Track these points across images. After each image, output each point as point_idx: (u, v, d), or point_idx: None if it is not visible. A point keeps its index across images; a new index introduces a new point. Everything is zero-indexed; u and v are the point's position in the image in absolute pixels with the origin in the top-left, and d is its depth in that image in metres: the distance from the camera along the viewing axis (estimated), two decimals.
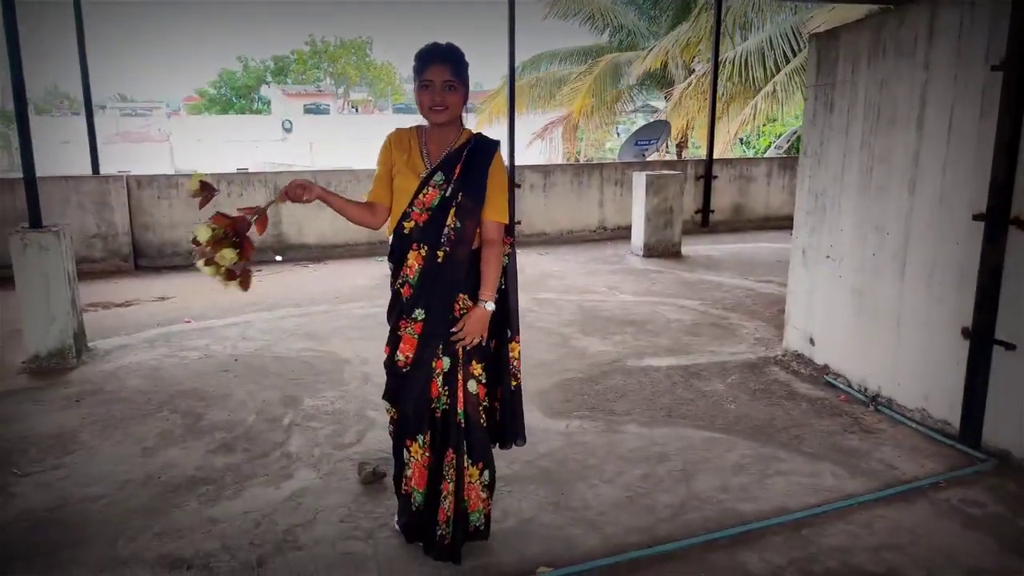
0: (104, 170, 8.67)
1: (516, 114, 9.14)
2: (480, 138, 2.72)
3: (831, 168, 4.66)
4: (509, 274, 2.77)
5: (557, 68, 17.91)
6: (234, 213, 2.47)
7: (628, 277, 7.67)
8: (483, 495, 2.79)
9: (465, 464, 2.72)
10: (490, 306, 2.64)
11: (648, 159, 9.97)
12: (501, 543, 2.94)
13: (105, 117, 39.39)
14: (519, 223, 9.46)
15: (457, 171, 2.62)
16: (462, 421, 2.69)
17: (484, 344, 2.69)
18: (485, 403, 2.76)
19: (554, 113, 18.68)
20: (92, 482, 3.45)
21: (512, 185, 2.87)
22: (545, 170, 9.76)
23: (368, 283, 7.46)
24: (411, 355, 2.65)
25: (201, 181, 2.46)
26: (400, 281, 2.68)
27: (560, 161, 17.92)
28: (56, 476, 3.52)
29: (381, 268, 8.06)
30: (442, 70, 2.54)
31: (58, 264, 4.92)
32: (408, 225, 2.63)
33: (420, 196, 2.62)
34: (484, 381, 2.72)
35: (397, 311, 2.70)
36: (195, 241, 2.39)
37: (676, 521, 3.12)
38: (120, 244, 8.07)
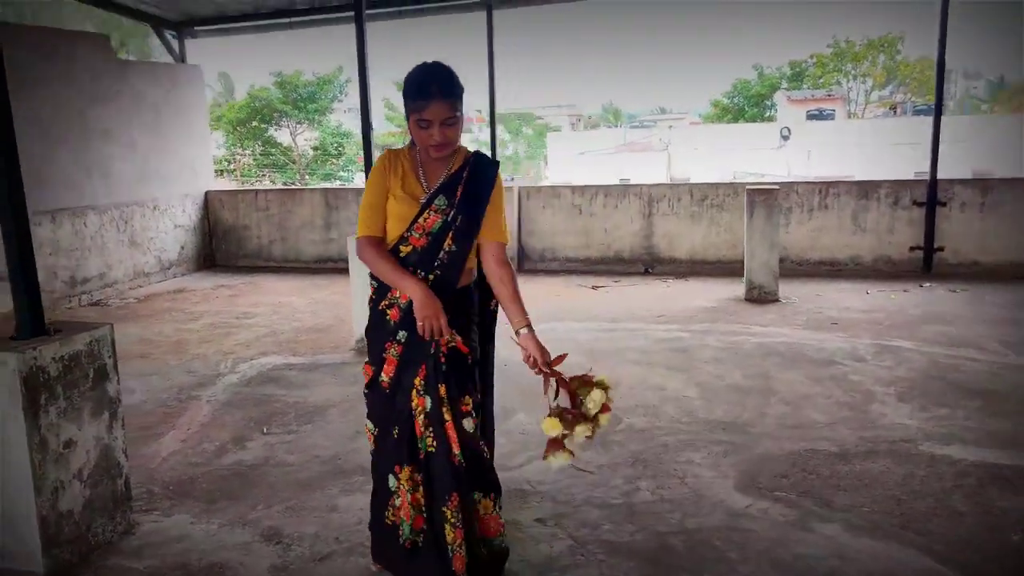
0: (603, 179, 9.78)
1: None
2: (479, 157, 2.63)
3: None
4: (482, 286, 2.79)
5: None
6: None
7: None
8: (500, 519, 2.77)
9: (476, 498, 2.67)
10: (526, 330, 2.60)
11: None
12: None
13: (619, 130, 43.96)
14: (941, 249, 7.89)
15: (459, 194, 2.57)
16: (461, 462, 2.59)
17: (471, 375, 2.64)
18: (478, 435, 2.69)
19: None
20: (297, 451, 4.14)
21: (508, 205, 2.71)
22: (984, 185, 7.91)
23: (706, 304, 7.13)
24: (392, 376, 2.64)
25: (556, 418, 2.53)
26: (387, 302, 2.65)
27: None
28: (281, 439, 4.31)
29: (731, 288, 7.64)
30: (441, 108, 2.44)
31: None
32: (405, 250, 2.60)
33: (420, 220, 2.58)
34: (475, 414, 2.66)
35: (383, 332, 2.67)
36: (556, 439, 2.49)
37: None
38: (508, 247, 9.11)
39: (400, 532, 2.69)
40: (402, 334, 2.61)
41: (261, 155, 30.69)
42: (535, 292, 7.92)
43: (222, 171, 34.27)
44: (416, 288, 2.50)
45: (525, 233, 9.18)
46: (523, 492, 3.58)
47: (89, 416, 3.08)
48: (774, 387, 4.85)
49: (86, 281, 8.34)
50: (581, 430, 2.44)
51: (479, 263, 2.76)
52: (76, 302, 8.18)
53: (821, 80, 44.52)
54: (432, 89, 2.43)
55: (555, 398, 2.55)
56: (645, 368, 5.32)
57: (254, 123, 31.06)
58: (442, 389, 2.58)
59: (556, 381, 2.54)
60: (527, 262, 9.21)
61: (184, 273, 9.83)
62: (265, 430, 4.46)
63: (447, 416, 2.57)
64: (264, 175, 28.74)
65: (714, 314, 6.75)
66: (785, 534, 3.15)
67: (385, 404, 2.68)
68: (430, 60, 2.57)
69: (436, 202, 2.58)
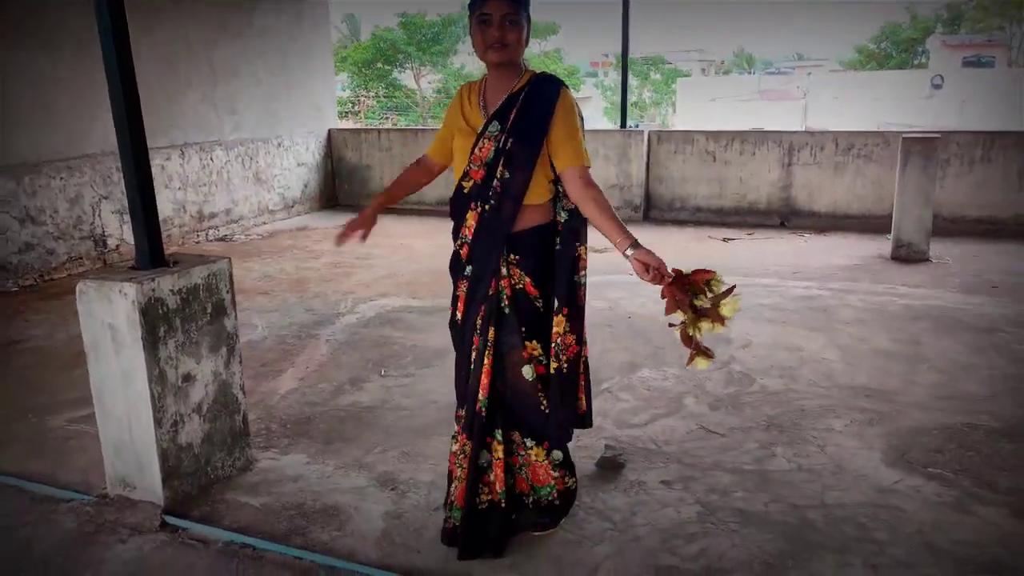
0: (737, 127, 9.41)
1: None
2: (542, 77, 2.47)
3: None
4: (565, 231, 2.56)
5: None
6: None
7: None
8: (553, 473, 2.69)
9: (528, 444, 2.65)
10: (633, 249, 2.30)
11: None
12: None
13: (753, 76, 41.92)
14: None
15: (512, 117, 2.42)
16: (483, 409, 2.56)
17: (538, 320, 2.55)
18: (540, 386, 2.59)
19: None
20: (414, 395, 4.11)
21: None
22: None
23: (846, 261, 6.66)
24: (462, 313, 2.63)
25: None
26: (460, 242, 2.61)
27: None
28: (399, 383, 4.29)
29: (875, 245, 7.13)
30: (502, 3, 2.33)
31: None
32: (467, 185, 2.52)
33: (476, 151, 2.47)
34: (544, 361, 2.57)
35: (456, 270, 2.66)
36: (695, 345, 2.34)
37: None
38: (634, 195, 8.82)
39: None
40: (469, 269, 2.58)
41: (384, 97, 30.94)
42: (660, 243, 7.55)
43: (346, 113, 34.92)
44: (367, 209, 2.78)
45: (653, 179, 8.82)
46: (648, 452, 3.41)
47: (207, 351, 3.10)
48: (925, 354, 4.45)
49: (213, 216, 8.64)
50: (706, 327, 2.31)
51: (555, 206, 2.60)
52: (203, 237, 8.49)
53: (981, 25, 40.94)
54: None
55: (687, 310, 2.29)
56: (780, 327, 4.99)
57: (379, 65, 31.24)
58: (490, 332, 2.52)
59: (682, 285, 2.27)
60: (654, 211, 8.88)
61: (307, 211, 10.06)
62: (383, 372, 4.45)
63: (486, 359, 2.52)
64: (387, 118, 29.07)
65: (856, 272, 6.28)
66: (941, 516, 2.85)
67: (458, 341, 2.68)
68: None
69: (489, 129, 2.46)
